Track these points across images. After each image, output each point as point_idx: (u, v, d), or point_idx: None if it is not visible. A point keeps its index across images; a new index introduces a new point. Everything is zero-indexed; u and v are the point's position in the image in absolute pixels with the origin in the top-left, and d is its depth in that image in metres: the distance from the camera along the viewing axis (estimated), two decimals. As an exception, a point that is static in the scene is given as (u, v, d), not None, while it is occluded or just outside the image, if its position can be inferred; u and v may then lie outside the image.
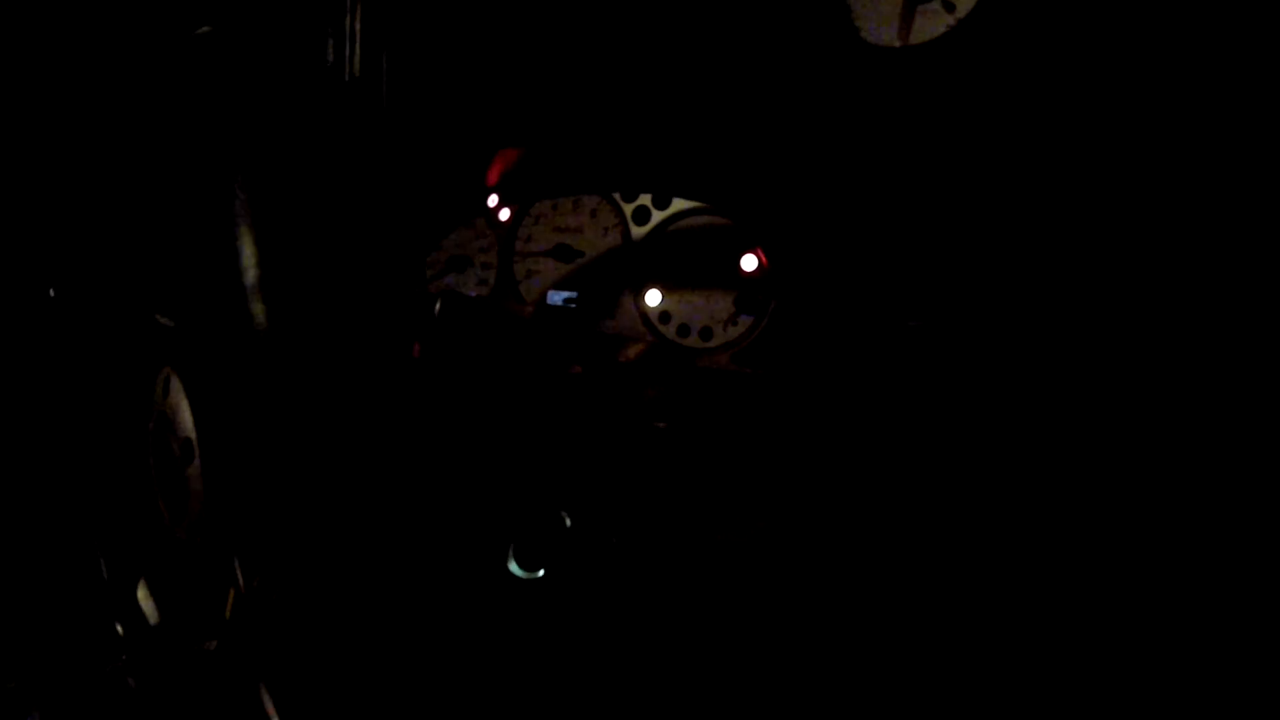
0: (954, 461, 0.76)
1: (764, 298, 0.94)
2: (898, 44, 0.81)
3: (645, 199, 1.00)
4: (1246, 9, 0.62)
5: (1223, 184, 0.64)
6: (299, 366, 0.67)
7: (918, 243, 0.85)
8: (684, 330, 0.98)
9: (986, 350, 0.77)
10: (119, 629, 0.94)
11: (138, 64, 0.90)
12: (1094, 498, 0.67)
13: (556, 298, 1.03)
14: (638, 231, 1.00)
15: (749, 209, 0.97)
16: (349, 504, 0.70)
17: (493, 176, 1.10)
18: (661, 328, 0.99)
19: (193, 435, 0.73)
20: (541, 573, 0.92)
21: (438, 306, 0.97)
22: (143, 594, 0.93)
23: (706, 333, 0.97)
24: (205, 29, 0.76)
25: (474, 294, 1.08)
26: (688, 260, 0.98)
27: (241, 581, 0.71)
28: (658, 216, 1.00)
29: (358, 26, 0.99)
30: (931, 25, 0.78)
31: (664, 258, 0.99)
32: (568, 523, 0.87)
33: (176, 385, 0.76)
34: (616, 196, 1.02)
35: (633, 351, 0.98)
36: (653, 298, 0.99)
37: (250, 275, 0.63)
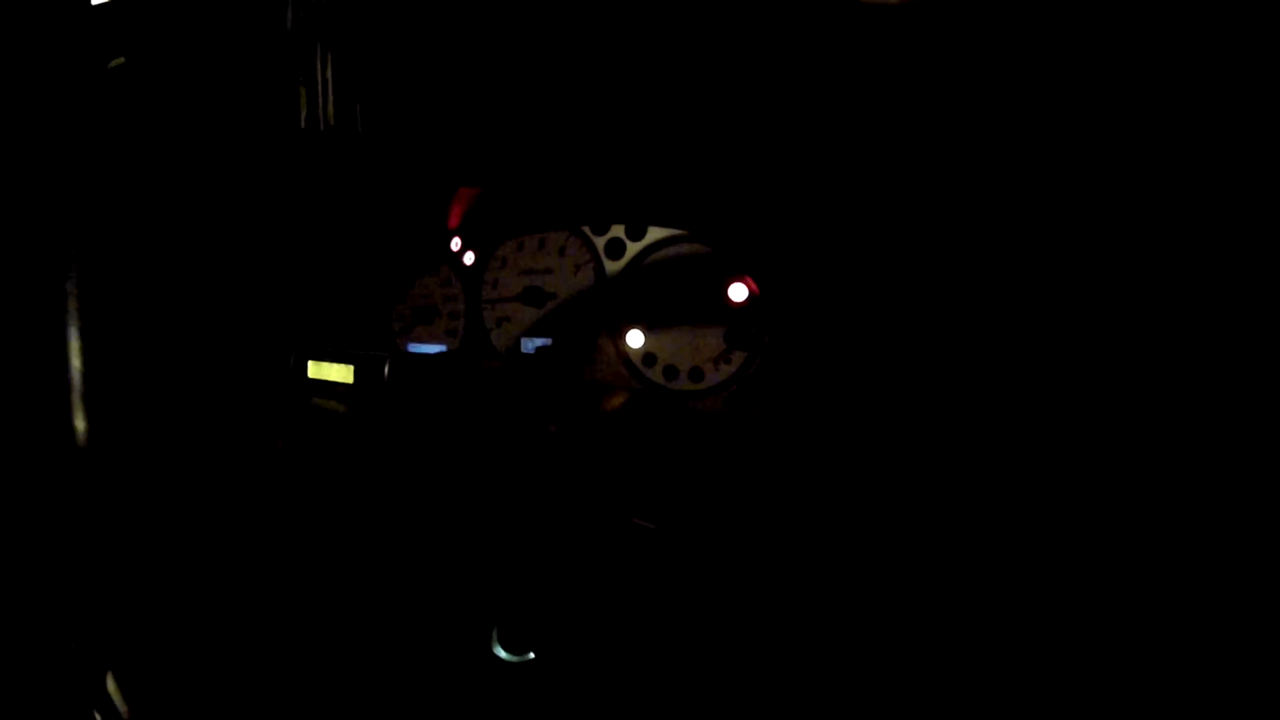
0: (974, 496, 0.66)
1: (757, 330, 0.84)
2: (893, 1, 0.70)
3: (618, 230, 0.91)
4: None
5: (1223, 178, 0.57)
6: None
7: (926, 249, 0.74)
8: (671, 373, 0.88)
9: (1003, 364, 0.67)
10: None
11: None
12: (1103, 537, 0.60)
13: (529, 346, 0.94)
14: (612, 267, 0.91)
15: (732, 232, 0.87)
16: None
17: (454, 218, 1.01)
18: (646, 371, 0.89)
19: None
20: (531, 655, 0.83)
21: (386, 369, 0.89)
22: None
23: (697, 374, 0.87)
24: (119, 61, 0.69)
25: (442, 348, 0.99)
26: (669, 295, 0.88)
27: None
28: (633, 249, 0.90)
29: (329, 75, 0.94)
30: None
31: (643, 294, 0.89)
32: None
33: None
34: (586, 230, 0.92)
35: (616, 401, 0.88)
36: (634, 339, 0.89)
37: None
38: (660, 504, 0.80)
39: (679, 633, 0.75)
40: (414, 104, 1.04)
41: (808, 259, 0.83)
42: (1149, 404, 0.62)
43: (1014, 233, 0.68)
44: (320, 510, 0.77)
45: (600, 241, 0.91)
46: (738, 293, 0.86)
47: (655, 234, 0.89)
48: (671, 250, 0.88)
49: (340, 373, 0.87)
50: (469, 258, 0.99)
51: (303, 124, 0.95)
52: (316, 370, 0.87)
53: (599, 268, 0.91)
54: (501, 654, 0.82)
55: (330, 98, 0.96)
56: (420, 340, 1.01)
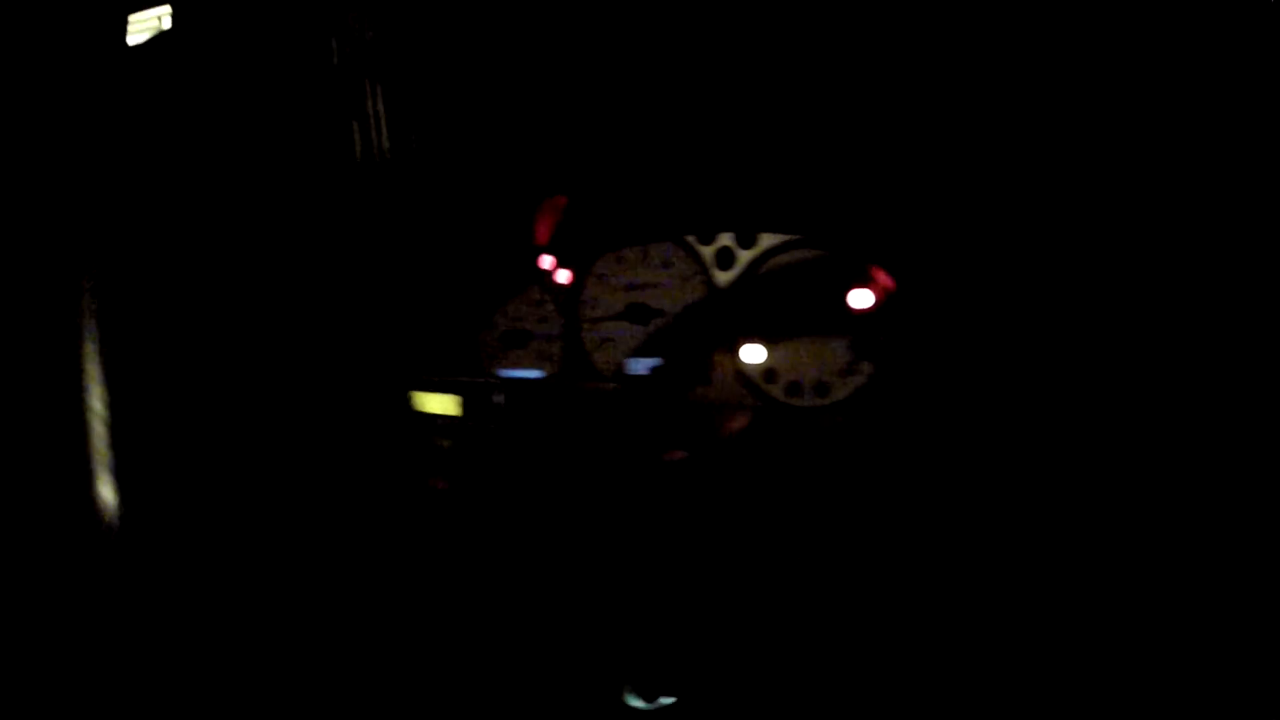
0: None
1: (885, 338, 0.79)
2: None
3: (726, 239, 0.86)
4: None
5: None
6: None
7: (1086, 247, 0.69)
8: (794, 389, 0.82)
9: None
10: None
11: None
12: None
13: (639, 367, 0.89)
14: (723, 278, 0.85)
15: (850, 234, 0.82)
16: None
17: (542, 234, 0.96)
18: (767, 388, 0.84)
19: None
20: (668, 700, 0.78)
21: (500, 397, 0.84)
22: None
23: (822, 388, 0.81)
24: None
25: (539, 373, 0.94)
26: (787, 305, 0.83)
27: None
28: (744, 257, 0.85)
29: (380, 108, 0.94)
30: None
31: (758, 305, 0.84)
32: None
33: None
34: (691, 240, 0.87)
35: (738, 421, 0.83)
36: (754, 354, 0.84)
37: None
38: (799, 531, 0.74)
39: (833, 686, 0.70)
40: (476, 121, 1.00)
41: (940, 261, 0.78)
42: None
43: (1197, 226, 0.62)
44: (453, 548, 0.73)
45: (708, 251, 0.86)
46: (860, 299, 0.80)
47: (767, 240, 0.84)
48: (786, 257, 0.83)
49: (443, 404, 0.83)
50: (563, 275, 0.94)
51: (358, 157, 0.94)
52: (420, 403, 0.83)
53: (708, 279, 0.86)
54: (636, 703, 0.77)
55: (383, 129, 0.95)
56: (513, 366, 0.96)
